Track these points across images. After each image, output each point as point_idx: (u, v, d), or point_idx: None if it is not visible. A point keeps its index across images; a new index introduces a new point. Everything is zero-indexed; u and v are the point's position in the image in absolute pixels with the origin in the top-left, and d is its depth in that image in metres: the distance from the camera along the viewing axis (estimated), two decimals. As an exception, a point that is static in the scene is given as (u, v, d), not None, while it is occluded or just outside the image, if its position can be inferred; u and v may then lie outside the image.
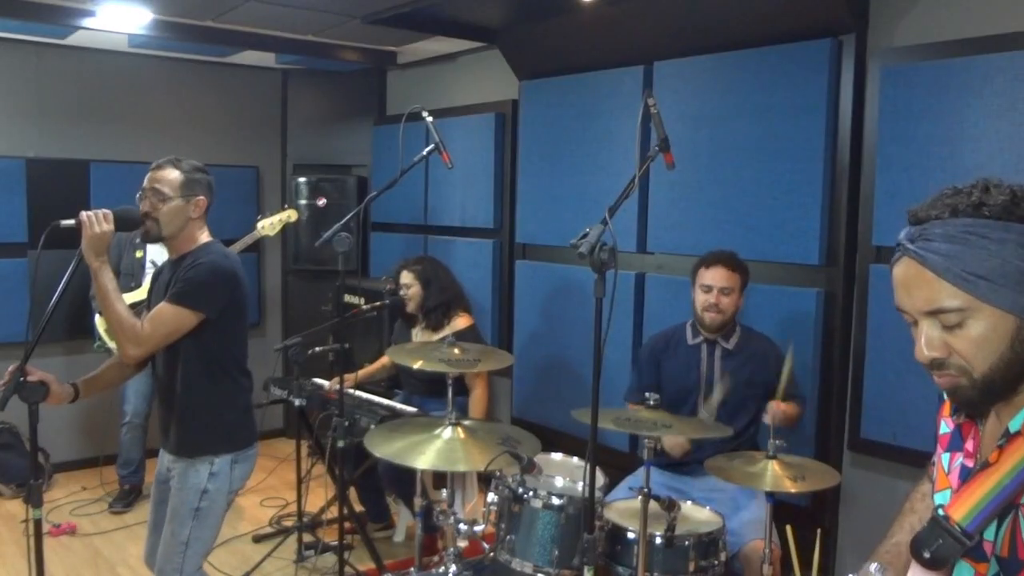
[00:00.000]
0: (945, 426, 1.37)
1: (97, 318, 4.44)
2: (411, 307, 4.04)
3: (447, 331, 3.81)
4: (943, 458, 1.33)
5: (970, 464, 1.26)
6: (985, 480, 1.15)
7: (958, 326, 1.14)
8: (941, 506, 1.21)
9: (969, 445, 1.28)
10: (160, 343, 2.51)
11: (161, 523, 2.65)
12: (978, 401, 1.17)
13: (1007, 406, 1.19)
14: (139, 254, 4.49)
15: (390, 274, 4.37)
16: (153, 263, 4.48)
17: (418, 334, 4.09)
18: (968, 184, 1.17)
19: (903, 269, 1.18)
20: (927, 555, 1.16)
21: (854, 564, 2.58)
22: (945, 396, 1.37)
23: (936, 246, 1.13)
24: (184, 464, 2.59)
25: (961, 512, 1.15)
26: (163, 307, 2.50)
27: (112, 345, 4.39)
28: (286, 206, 4.33)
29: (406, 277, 4.03)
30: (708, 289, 3.11)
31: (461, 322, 4.00)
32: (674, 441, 3.04)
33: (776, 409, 2.85)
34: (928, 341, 1.16)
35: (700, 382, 3.18)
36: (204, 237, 2.66)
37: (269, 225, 4.25)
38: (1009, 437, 1.16)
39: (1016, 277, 1.10)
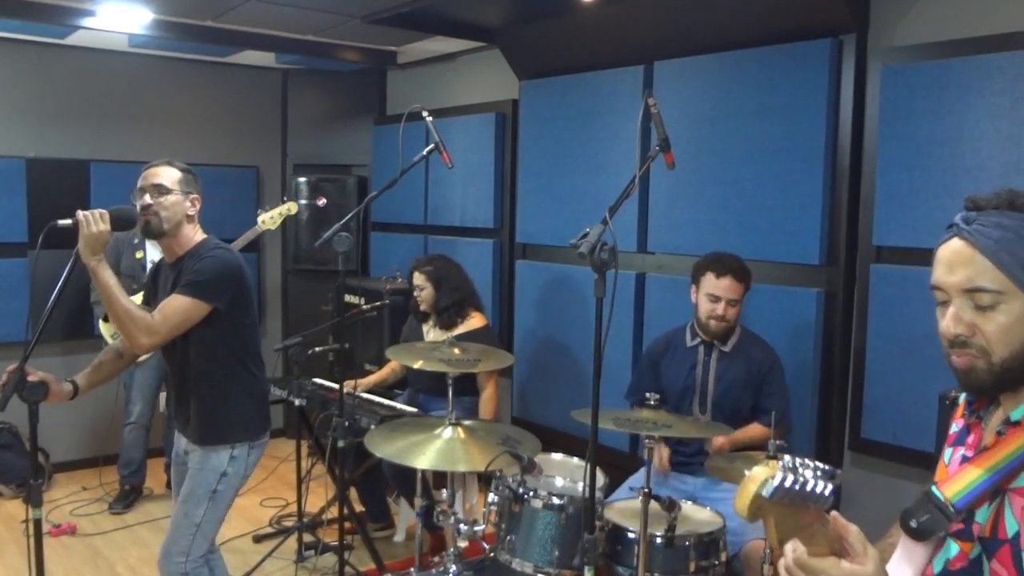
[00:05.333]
0: (955, 426, 1.41)
1: (101, 324, 4.41)
2: (425, 307, 4.04)
3: (461, 330, 3.81)
4: (946, 453, 1.38)
5: (970, 455, 1.31)
6: (980, 463, 1.21)
7: (990, 308, 1.19)
8: (935, 483, 1.26)
9: (971, 439, 1.32)
10: (171, 334, 2.54)
11: None
12: (990, 386, 1.22)
13: (1013, 400, 1.24)
14: (139, 255, 4.48)
15: (391, 274, 4.37)
16: (154, 263, 4.46)
17: (430, 333, 4.08)
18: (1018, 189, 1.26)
19: (951, 247, 1.24)
20: (914, 524, 1.23)
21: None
22: (963, 397, 1.43)
23: (989, 231, 1.20)
24: (203, 450, 2.64)
25: (953, 490, 1.21)
26: (174, 298, 2.53)
27: None
28: (285, 199, 4.33)
29: (418, 278, 4.03)
30: (716, 299, 3.07)
31: (475, 322, 4.00)
32: (659, 458, 3.06)
33: (718, 445, 2.92)
34: (957, 317, 1.21)
35: (696, 383, 3.18)
36: (200, 235, 2.71)
37: (269, 219, 4.25)
38: (1010, 425, 1.21)
39: None
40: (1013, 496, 1.19)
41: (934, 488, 1.24)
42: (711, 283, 3.09)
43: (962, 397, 1.45)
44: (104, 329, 4.41)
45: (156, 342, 2.53)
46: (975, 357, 1.21)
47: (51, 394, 2.39)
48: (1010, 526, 1.19)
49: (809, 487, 1.09)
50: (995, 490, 1.20)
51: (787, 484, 1.08)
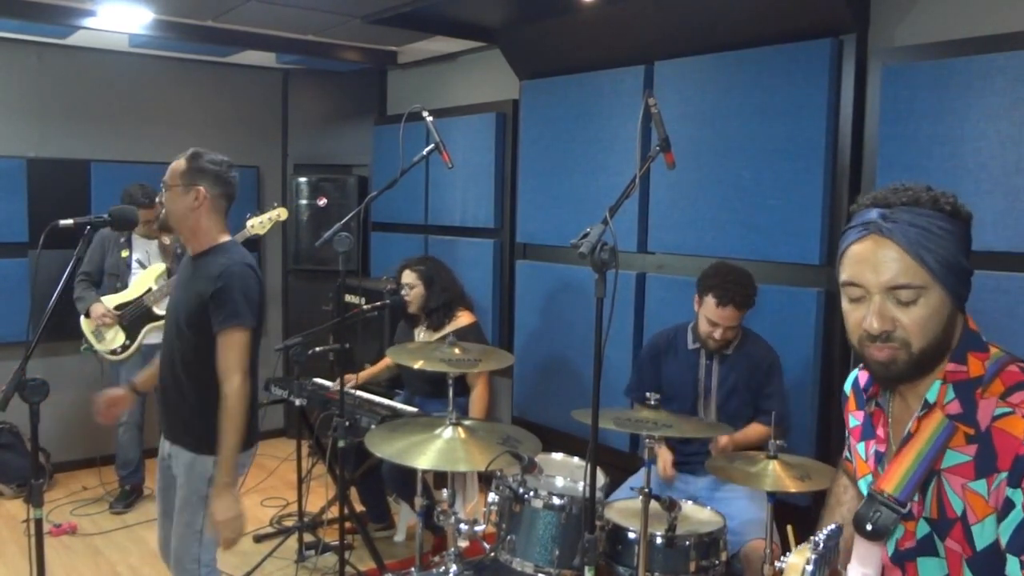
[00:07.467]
0: (854, 420, 1.49)
1: (83, 320, 4.41)
2: (413, 307, 4.04)
3: (449, 328, 3.82)
4: (859, 448, 1.46)
5: (882, 449, 1.39)
6: (907, 453, 1.30)
7: (912, 303, 1.24)
8: (871, 484, 1.34)
9: (880, 432, 1.41)
10: (243, 366, 2.55)
11: (170, 510, 2.69)
12: (907, 374, 1.29)
13: (912, 388, 1.32)
14: (124, 253, 4.47)
15: (391, 274, 4.37)
16: (139, 262, 4.48)
17: (421, 334, 4.09)
18: (907, 183, 1.30)
19: (870, 246, 1.28)
20: (870, 527, 1.30)
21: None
22: (848, 389, 1.53)
23: (905, 228, 1.25)
24: (190, 455, 2.62)
25: (891, 485, 1.30)
26: (223, 339, 2.53)
27: (99, 347, 4.38)
28: (275, 204, 4.31)
29: (408, 276, 4.03)
30: (714, 324, 3.03)
31: (463, 319, 4.00)
32: (662, 464, 3.07)
33: (721, 445, 2.92)
34: (882, 314, 1.26)
35: (698, 386, 3.18)
36: (223, 237, 2.68)
37: (259, 224, 4.22)
38: (928, 408, 1.30)
39: (955, 266, 1.25)
40: (949, 477, 1.27)
41: (874, 489, 1.32)
42: (711, 308, 3.02)
43: (848, 388, 1.53)
44: (85, 325, 4.41)
45: (242, 377, 2.53)
46: (897, 349, 1.27)
47: (121, 400, 2.59)
48: (956, 505, 1.26)
49: (831, 556, 1.19)
50: (928, 473, 1.28)
51: (819, 566, 1.16)
